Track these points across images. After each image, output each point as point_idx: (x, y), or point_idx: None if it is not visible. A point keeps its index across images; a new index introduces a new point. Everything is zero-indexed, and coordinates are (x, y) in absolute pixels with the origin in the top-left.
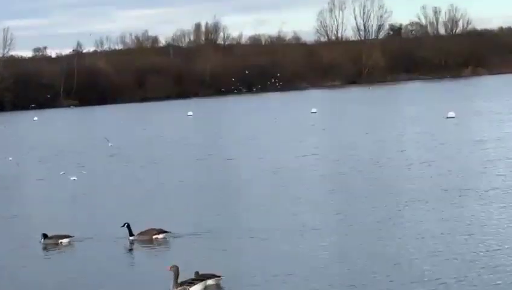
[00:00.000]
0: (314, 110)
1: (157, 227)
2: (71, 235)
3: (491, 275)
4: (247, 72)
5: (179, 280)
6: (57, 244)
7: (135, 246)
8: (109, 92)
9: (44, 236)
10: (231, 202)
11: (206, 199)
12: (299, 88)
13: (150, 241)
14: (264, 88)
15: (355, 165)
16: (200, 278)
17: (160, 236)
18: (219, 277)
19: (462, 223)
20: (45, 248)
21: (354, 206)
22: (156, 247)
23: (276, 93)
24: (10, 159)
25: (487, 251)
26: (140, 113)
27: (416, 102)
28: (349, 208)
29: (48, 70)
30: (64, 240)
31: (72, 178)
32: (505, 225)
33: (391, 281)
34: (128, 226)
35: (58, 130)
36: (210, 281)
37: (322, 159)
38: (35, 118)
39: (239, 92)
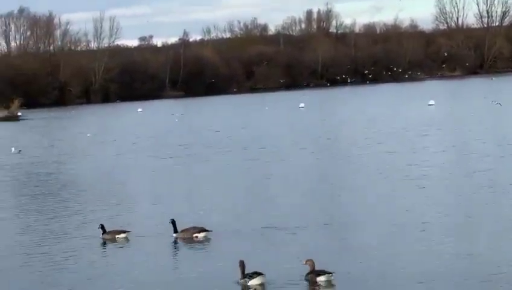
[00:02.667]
0: (431, 102)
1: (200, 225)
2: (128, 230)
3: None
4: (360, 63)
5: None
6: (114, 239)
7: (178, 243)
8: (216, 82)
9: (103, 230)
10: (344, 197)
11: (316, 195)
12: (415, 79)
13: (191, 239)
14: (379, 78)
15: (492, 163)
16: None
17: (201, 235)
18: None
19: None
20: (104, 243)
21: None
22: (196, 245)
23: (391, 84)
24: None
25: None
26: (249, 105)
27: None
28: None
29: (154, 60)
30: (121, 235)
31: None
32: None
33: None
34: (174, 223)
35: (161, 121)
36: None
37: (451, 157)
38: (140, 110)
39: (352, 82)
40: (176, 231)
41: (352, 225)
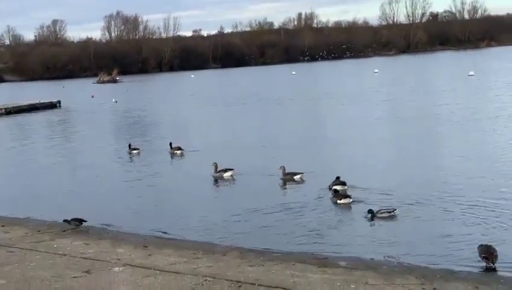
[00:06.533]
0: (376, 70)
1: (178, 145)
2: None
3: None
4: (331, 46)
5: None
6: (174, 154)
7: (174, 156)
8: (241, 58)
9: (170, 146)
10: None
11: (294, 124)
12: (366, 56)
13: (173, 154)
14: (343, 56)
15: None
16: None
17: (179, 152)
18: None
19: None
20: (171, 156)
21: None
22: (178, 157)
23: (351, 59)
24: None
25: None
26: (260, 74)
27: (446, 65)
28: None
29: (202, 44)
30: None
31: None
32: None
33: None
34: (170, 144)
35: (210, 85)
36: (231, 173)
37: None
38: (192, 76)
39: (325, 59)
40: (171, 148)
41: (327, 145)
